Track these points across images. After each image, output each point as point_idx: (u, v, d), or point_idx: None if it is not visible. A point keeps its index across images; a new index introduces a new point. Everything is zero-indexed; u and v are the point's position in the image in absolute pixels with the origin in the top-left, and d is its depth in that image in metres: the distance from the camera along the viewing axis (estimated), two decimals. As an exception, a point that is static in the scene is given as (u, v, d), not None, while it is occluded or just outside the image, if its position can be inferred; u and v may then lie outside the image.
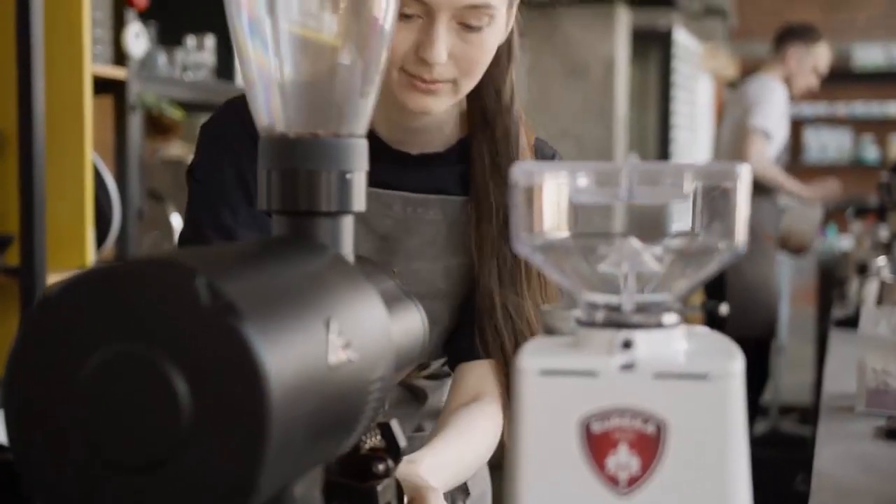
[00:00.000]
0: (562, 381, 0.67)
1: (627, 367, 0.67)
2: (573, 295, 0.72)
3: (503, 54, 1.45)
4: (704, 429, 0.66)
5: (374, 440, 0.85)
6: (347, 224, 0.79)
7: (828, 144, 10.04)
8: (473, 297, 1.47)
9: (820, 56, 5.04)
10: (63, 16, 3.08)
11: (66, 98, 3.10)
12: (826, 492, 1.53)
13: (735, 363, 0.67)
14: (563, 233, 0.72)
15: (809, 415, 5.27)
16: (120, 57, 3.43)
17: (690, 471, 0.66)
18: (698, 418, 0.66)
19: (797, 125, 9.13)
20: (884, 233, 3.95)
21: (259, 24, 0.77)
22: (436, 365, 1.57)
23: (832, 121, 9.99)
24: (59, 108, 3.06)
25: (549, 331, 0.75)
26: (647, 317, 0.69)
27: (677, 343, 0.69)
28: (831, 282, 4.95)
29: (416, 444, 1.38)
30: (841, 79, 8.50)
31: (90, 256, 3.16)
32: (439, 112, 1.41)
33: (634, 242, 0.69)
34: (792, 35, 5.04)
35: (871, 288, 2.81)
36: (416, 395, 1.57)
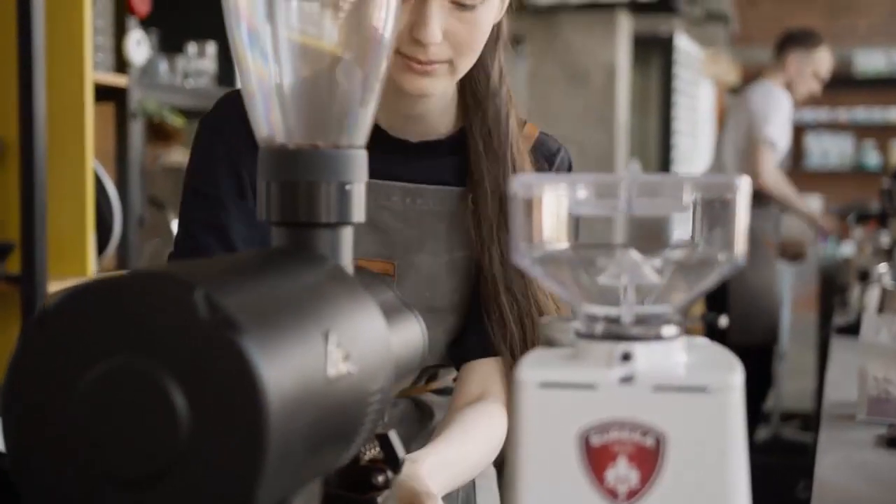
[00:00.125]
0: (561, 393, 0.67)
1: (626, 379, 0.66)
2: (573, 307, 0.72)
3: (491, 36, 1.42)
4: (704, 441, 0.66)
5: (373, 452, 0.84)
6: (347, 235, 0.79)
7: (829, 150, 10.05)
8: (479, 293, 1.46)
9: (820, 61, 5.04)
10: (64, 23, 3.08)
11: (67, 105, 3.10)
12: (827, 500, 1.53)
13: (735, 376, 0.67)
14: (563, 244, 0.72)
15: (811, 421, 5.27)
16: (121, 64, 3.44)
17: (690, 484, 0.66)
18: (698, 431, 0.66)
19: (799, 131, 9.14)
20: (885, 239, 3.94)
21: (258, 35, 0.77)
22: (445, 378, 1.56)
23: (834, 126, 10.00)
24: (60, 115, 3.06)
25: (549, 342, 0.75)
26: (647, 329, 0.69)
27: (677, 355, 0.69)
28: (833, 288, 4.94)
29: None
30: (842, 85, 8.51)
31: (91, 264, 3.16)
32: (437, 94, 1.40)
33: (634, 254, 0.69)
34: (792, 41, 5.05)
35: (873, 295, 2.81)
36: (422, 412, 1.56)
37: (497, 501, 1.57)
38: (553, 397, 0.67)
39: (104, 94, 3.35)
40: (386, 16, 0.80)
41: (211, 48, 3.98)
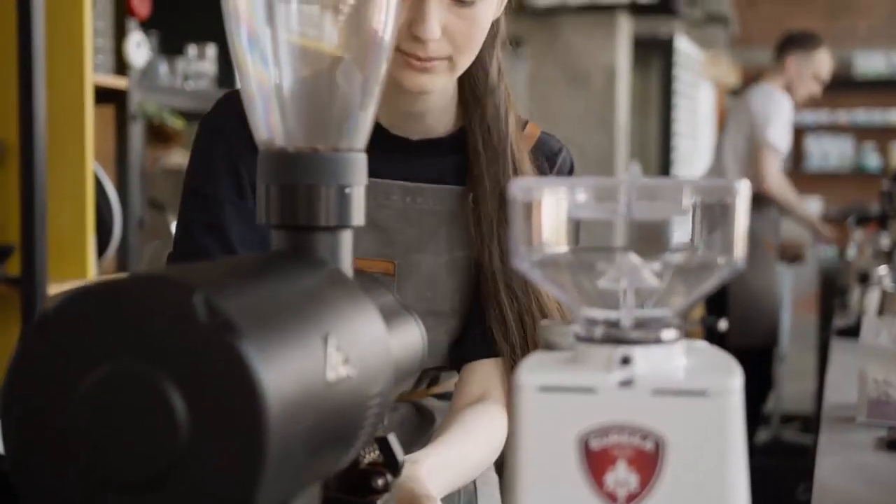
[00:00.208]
0: (560, 397, 0.67)
1: (626, 383, 0.66)
2: (572, 310, 0.72)
3: (490, 33, 1.42)
4: (703, 445, 0.66)
5: (372, 455, 0.84)
6: (346, 238, 0.79)
7: (829, 152, 10.05)
8: (479, 292, 1.46)
9: (820, 63, 5.04)
10: (64, 25, 3.08)
11: (67, 107, 3.10)
12: (827, 503, 1.53)
13: (734, 379, 0.67)
14: (562, 248, 0.72)
15: (811, 423, 5.27)
16: (121, 66, 3.44)
17: (689, 487, 0.66)
18: (697, 435, 0.66)
19: (799, 132, 9.14)
20: (885, 241, 3.94)
21: (258, 38, 0.77)
22: (446, 382, 1.56)
23: (834, 128, 10.00)
24: (60, 117, 3.06)
25: (548, 346, 0.75)
26: (646, 332, 0.69)
27: (676, 359, 0.69)
28: (833, 290, 4.94)
29: None
30: (842, 86, 8.52)
31: (91, 266, 3.16)
32: (436, 91, 1.40)
33: (633, 258, 0.69)
34: (791, 43, 5.05)
35: (873, 297, 2.81)
36: (423, 416, 1.55)
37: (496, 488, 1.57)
38: (553, 401, 0.67)
39: (104, 96, 3.35)
40: (385, 18, 0.80)
41: (211, 50, 3.98)
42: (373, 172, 1.37)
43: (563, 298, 0.73)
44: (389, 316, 0.80)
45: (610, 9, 6.11)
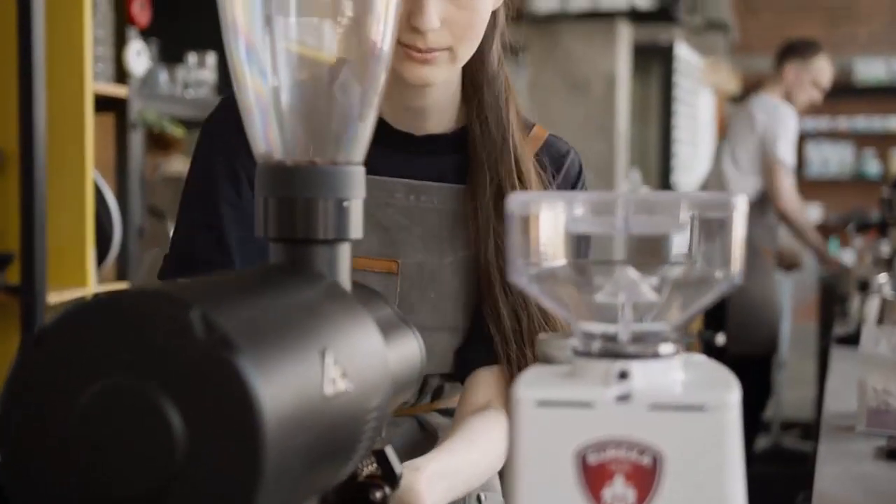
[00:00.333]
0: (558, 412, 0.67)
1: (623, 398, 0.66)
2: (570, 324, 0.72)
3: (489, 24, 1.41)
4: (701, 460, 0.66)
5: (370, 468, 0.84)
6: (344, 252, 0.79)
7: (829, 158, 10.05)
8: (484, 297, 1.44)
9: (819, 70, 5.05)
10: (64, 34, 3.09)
11: (67, 116, 3.11)
12: (827, 513, 1.53)
13: (732, 394, 0.67)
14: (560, 262, 0.72)
15: (811, 430, 5.26)
16: (121, 75, 3.44)
17: (687, 502, 0.66)
18: (695, 450, 0.66)
19: (799, 139, 9.12)
20: (885, 248, 3.94)
21: (256, 51, 0.77)
22: (451, 397, 1.54)
23: (834, 135, 10.00)
24: (60, 126, 3.06)
25: (546, 359, 0.75)
26: (644, 347, 0.69)
27: (674, 373, 0.69)
28: (833, 298, 4.94)
29: None
30: (842, 93, 8.51)
31: (91, 274, 3.16)
32: (438, 83, 1.39)
33: (631, 272, 0.69)
34: (789, 51, 5.06)
35: (872, 305, 2.80)
36: (426, 433, 1.52)
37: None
38: (550, 416, 0.67)
39: (104, 104, 3.36)
40: (384, 29, 0.80)
41: (211, 58, 3.99)
42: (376, 170, 1.38)
43: (561, 313, 0.73)
44: (387, 329, 0.80)
45: (610, 16, 6.11)
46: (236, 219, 1.38)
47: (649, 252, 0.71)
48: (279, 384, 0.60)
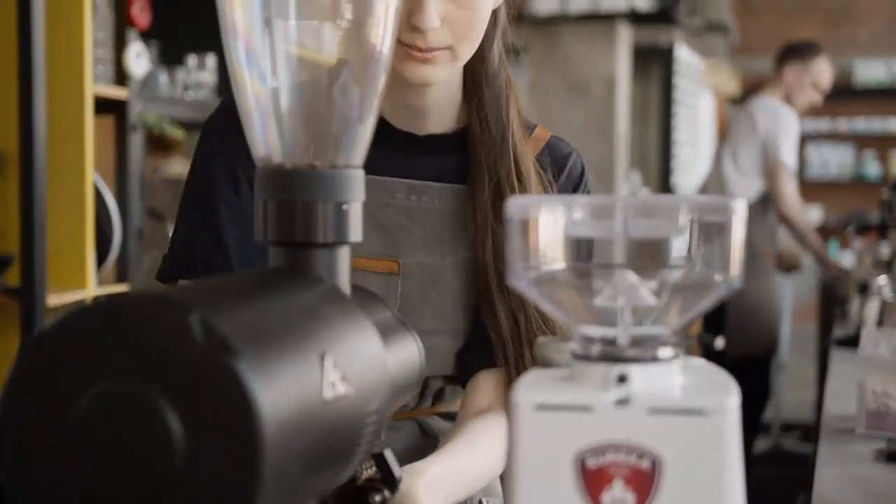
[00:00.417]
0: (557, 415, 0.67)
1: (622, 402, 0.66)
2: (569, 328, 0.72)
3: (490, 22, 1.40)
4: (700, 464, 0.66)
5: (369, 471, 0.84)
6: (344, 255, 0.79)
7: (829, 160, 10.05)
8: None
9: (819, 72, 5.04)
10: (64, 36, 3.09)
11: (67, 118, 3.11)
12: (826, 515, 1.53)
13: (731, 398, 0.67)
14: (559, 266, 0.72)
15: (811, 432, 5.27)
16: (121, 77, 3.44)
17: (686, 506, 0.66)
18: (694, 454, 0.66)
19: (799, 141, 9.14)
20: (885, 250, 3.94)
21: (256, 54, 0.77)
22: (453, 401, 1.53)
23: (834, 136, 10.00)
24: (60, 128, 3.06)
25: (545, 363, 0.75)
26: (643, 350, 0.69)
27: (673, 377, 0.69)
28: (832, 300, 4.94)
29: None
30: (842, 95, 8.52)
31: (90, 276, 3.16)
32: (440, 82, 1.38)
33: (630, 276, 0.69)
34: (789, 53, 5.06)
35: (872, 307, 2.81)
36: (427, 438, 1.50)
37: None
38: (549, 419, 0.67)
39: (104, 106, 3.36)
40: (383, 32, 0.80)
41: (211, 60, 3.99)
42: (377, 170, 1.38)
43: (560, 316, 0.73)
44: (386, 332, 0.81)
45: (609, 17, 6.11)
46: (235, 220, 1.37)
47: (649, 256, 0.71)
48: (278, 388, 0.60)
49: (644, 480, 0.66)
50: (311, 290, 0.74)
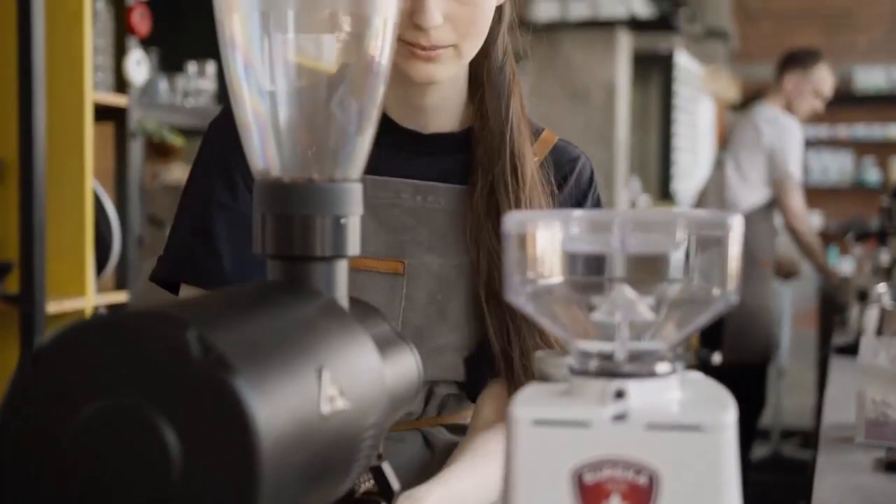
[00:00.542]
0: (554, 431, 0.67)
1: (620, 417, 0.66)
2: (567, 343, 0.72)
3: (494, 18, 1.39)
4: (697, 480, 0.66)
5: (367, 484, 0.84)
6: (342, 268, 0.79)
7: (829, 166, 10.06)
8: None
9: (819, 79, 5.05)
10: (64, 43, 3.09)
11: (66, 125, 3.11)
12: (825, 525, 1.52)
13: (728, 414, 0.67)
14: (556, 281, 0.72)
15: (811, 439, 5.26)
16: (121, 84, 3.44)
17: (683, 522, 0.66)
18: (691, 469, 0.66)
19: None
20: (885, 257, 3.94)
21: (254, 67, 0.77)
22: (457, 411, 1.50)
23: (834, 143, 10.02)
24: (59, 135, 3.06)
25: (543, 377, 0.75)
26: (641, 366, 0.69)
27: (671, 392, 0.69)
28: (832, 307, 4.94)
29: None
30: (842, 101, 8.51)
31: (90, 283, 3.16)
32: (444, 81, 1.37)
33: (628, 291, 0.69)
34: (789, 61, 5.06)
35: (872, 315, 2.80)
36: (431, 450, 1.47)
37: None
38: (547, 435, 0.67)
39: (104, 113, 3.36)
40: (382, 44, 0.80)
41: (211, 67, 3.99)
42: (382, 170, 1.37)
43: (558, 331, 0.73)
44: (384, 345, 0.80)
45: (610, 24, 6.12)
46: (229, 224, 1.36)
47: (646, 270, 0.71)
48: (276, 404, 0.60)
49: (641, 496, 0.66)
50: (309, 304, 0.74)
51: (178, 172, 4.53)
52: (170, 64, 3.89)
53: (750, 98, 6.16)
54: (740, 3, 9.67)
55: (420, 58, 1.32)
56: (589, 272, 0.72)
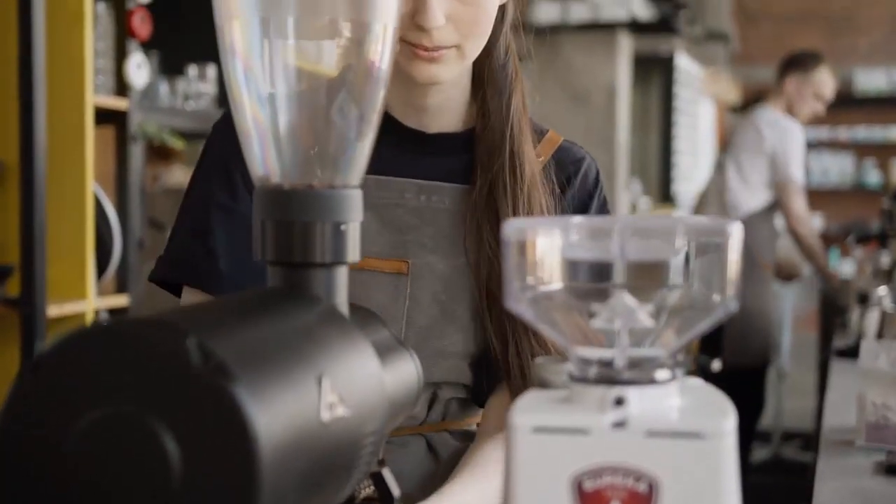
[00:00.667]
0: (554, 438, 0.67)
1: (619, 424, 0.66)
2: (566, 350, 0.72)
3: (497, 17, 1.39)
4: (697, 487, 0.66)
5: (367, 490, 0.84)
6: (342, 275, 0.79)
7: (830, 168, 10.07)
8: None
9: (820, 82, 5.05)
10: (65, 46, 3.09)
11: (67, 128, 3.11)
12: (826, 529, 1.52)
13: (728, 421, 0.67)
14: (555, 287, 0.72)
15: (812, 441, 5.26)
16: (122, 87, 3.44)
17: (683, 529, 0.66)
18: (691, 477, 0.66)
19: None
20: (885, 260, 3.94)
21: (254, 74, 0.77)
22: (462, 416, 1.48)
23: (834, 145, 10.02)
24: (60, 138, 3.07)
25: (542, 383, 0.75)
26: (640, 373, 0.69)
27: (670, 399, 0.69)
28: (833, 309, 4.94)
29: None
30: (843, 103, 8.51)
31: (91, 287, 3.16)
32: (448, 81, 1.36)
33: (627, 299, 0.69)
34: (790, 64, 5.06)
35: (872, 318, 2.81)
36: (435, 456, 1.45)
37: None
38: (546, 442, 0.67)
39: (104, 116, 3.36)
40: (382, 49, 0.80)
41: (211, 71, 3.99)
42: (386, 170, 1.37)
43: (558, 338, 0.73)
44: (384, 351, 0.80)
45: (610, 27, 6.12)
46: (227, 225, 1.36)
47: (646, 277, 0.71)
48: (275, 412, 0.60)
49: (641, 503, 0.66)
50: (309, 310, 0.74)
51: (178, 175, 4.53)
52: (170, 67, 3.90)
53: (750, 100, 6.17)
54: (740, 5, 9.67)
55: (423, 58, 1.31)
56: (588, 279, 0.72)
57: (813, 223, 5.07)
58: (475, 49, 1.35)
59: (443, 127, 1.45)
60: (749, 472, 4.88)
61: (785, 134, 4.89)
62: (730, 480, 0.66)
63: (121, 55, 3.45)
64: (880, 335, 2.55)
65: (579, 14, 6.08)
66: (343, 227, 0.77)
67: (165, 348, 0.59)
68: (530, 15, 5.92)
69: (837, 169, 10.06)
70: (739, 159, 4.95)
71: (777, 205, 4.90)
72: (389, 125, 1.36)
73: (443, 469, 1.43)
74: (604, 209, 1.51)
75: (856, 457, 1.87)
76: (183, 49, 3.96)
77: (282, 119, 0.77)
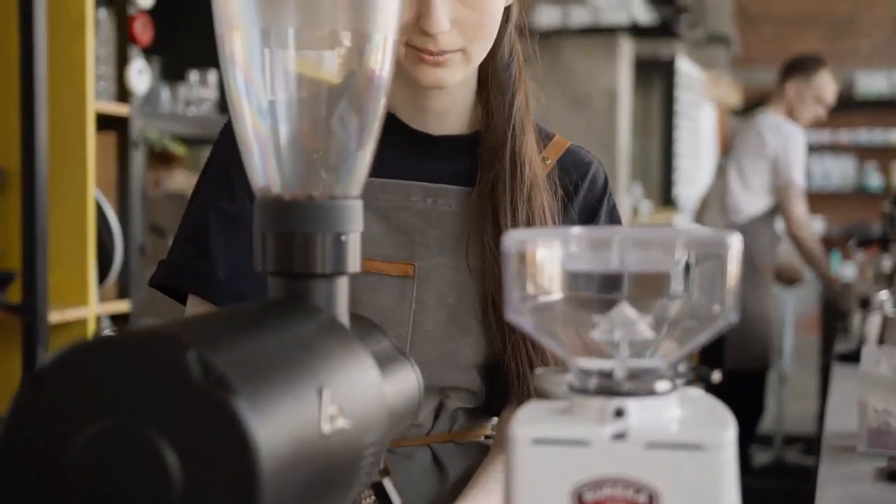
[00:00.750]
0: (554, 450, 0.67)
1: (619, 436, 0.67)
2: (566, 361, 0.72)
3: (502, 18, 1.38)
4: (697, 499, 0.66)
5: (368, 500, 0.84)
6: (342, 285, 0.79)
7: (831, 171, 10.07)
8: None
9: (821, 86, 5.05)
10: (66, 53, 3.09)
11: (68, 134, 3.11)
12: (828, 535, 1.52)
13: (728, 432, 0.67)
14: (556, 298, 0.72)
15: (814, 445, 5.25)
16: (123, 93, 3.44)
17: (683, 540, 0.66)
18: (691, 488, 0.66)
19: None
20: (887, 263, 3.93)
21: (255, 85, 0.77)
22: (470, 427, 1.47)
23: (835, 148, 10.03)
24: (61, 144, 3.07)
25: (542, 394, 0.75)
26: (640, 384, 0.69)
27: (670, 411, 0.69)
28: (834, 313, 4.94)
29: None
30: (844, 106, 8.51)
31: (92, 293, 3.16)
32: (454, 85, 1.36)
33: (627, 310, 0.69)
34: (791, 68, 5.07)
35: (874, 323, 2.80)
36: (440, 468, 1.44)
37: None
38: (546, 454, 0.67)
39: (106, 123, 3.36)
40: (382, 59, 0.80)
41: (213, 76, 3.99)
42: (392, 172, 1.37)
43: (558, 349, 0.73)
44: (384, 362, 0.80)
45: (611, 31, 6.12)
46: (226, 230, 1.36)
47: (646, 288, 0.71)
48: (276, 424, 0.61)
49: (641, 515, 0.66)
50: (309, 321, 0.75)
51: (180, 181, 4.53)
52: (172, 73, 3.90)
53: (751, 103, 6.17)
54: (742, 9, 9.67)
55: (428, 63, 1.31)
56: (589, 290, 0.72)
57: (813, 227, 5.07)
58: (480, 53, 1.35)
59: (448, 129, 1.45)
60: (751, 476, 4.88)
61: (787, 138, 4.89)
62: (730, 491, 0.66)
63: (122, 61, 3.45)
64: (882, 340, 2.54)
65: (580, 18, 6.08)
66: (344, 238, 0.77)
67: (166, 361, 0.59)
68: (531, 19, 5.93)
69: (839, 172, 10.06)
70: (741, 163, 4.95)
71: (778, 209, 4.91)
72: (395, 128, 1.35)
73: (448, 485, 1.42)
74: (613, 213, 1.50)
75: (857, 463, 1.87)
76: (184, 55, 3.96)
77: (282, 130, 0.77)
